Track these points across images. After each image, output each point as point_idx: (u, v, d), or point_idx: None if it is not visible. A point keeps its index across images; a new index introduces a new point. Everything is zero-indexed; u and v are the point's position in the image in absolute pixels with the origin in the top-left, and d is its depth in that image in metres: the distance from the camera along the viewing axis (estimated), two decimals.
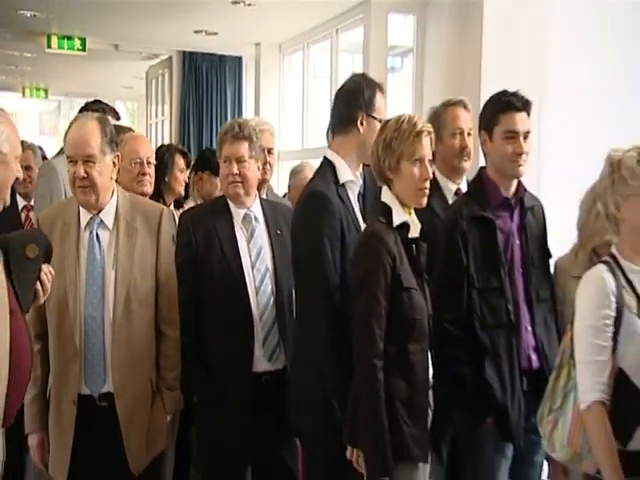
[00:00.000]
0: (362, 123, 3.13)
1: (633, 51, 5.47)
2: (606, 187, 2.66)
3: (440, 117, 3.65)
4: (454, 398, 3.08)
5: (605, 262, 2.62)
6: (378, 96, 3.19)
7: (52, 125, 25.07)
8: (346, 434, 2.76)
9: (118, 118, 4.12)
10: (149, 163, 3.88)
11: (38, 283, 2.47)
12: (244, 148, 3.39)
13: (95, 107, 4.21)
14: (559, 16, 5.14)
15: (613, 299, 2.53)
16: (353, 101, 3.18)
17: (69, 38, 9.10)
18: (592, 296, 2.57)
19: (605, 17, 5.39)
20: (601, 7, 5.40)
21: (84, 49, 9.38)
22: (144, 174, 3.80)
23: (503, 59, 4.95)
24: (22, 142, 2.93)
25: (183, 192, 4.66)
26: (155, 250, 3.08)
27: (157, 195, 4.31)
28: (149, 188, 3.90)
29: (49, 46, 9.19)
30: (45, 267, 2.51)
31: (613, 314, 2.52)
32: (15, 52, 10.47)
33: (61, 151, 5.51)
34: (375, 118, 3.12)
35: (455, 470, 3.36)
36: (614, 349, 2.52)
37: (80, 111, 4.28)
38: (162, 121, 10.23)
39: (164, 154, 4.67)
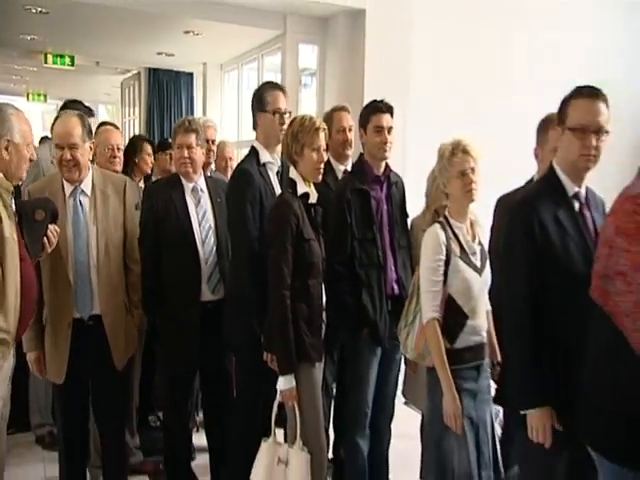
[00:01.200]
0: (258, 119, 3.21)
1: (473, 68, 5.64)
2: (439, 170, 2.77)
3: (330, 118, 3.62)
4: (341, 316, 3.13)
5: (439, 222, 2.71)
6: (267, 93, 3.20)
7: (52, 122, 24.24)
8: (264, 343, 2.84)
9: (92, 115, 4.06)
10: (119, 149, 3.89)
11: (45, 238, 2.58)
12: (192, 138, 3.39)
13: (73, 105, 4.17)
14: (417, 45, 5.26)
15: (444, 247, 2.62)
16: (252, 105, 3.27)
17: (61, 56, 8.99)
18: (430, 246, 2.66)
19: (454, 41, 5.52)
20: (451, 32, 5.54)
21: (73, 64, 9.24)
22: (114, 157, 3.80)
23: (379, 77, 4.98)
24: None
25: (149, 171, 4.63)
26: (122, 210, 3.16)
27: (129, 173, 4.30)
28: (119, 167, 3.90)
29: (46, 62, 9.05)
30: (51, 227, 2.63)
31: (444, 258, 2.62)
32: (20, 66, 10.32)
33: (41, 140, 5.44)
34: (267, 111, 3.17)
35: (343, 366, 3.43)
36: (445, 282, 2.63)
37: (62, 108, 4.19)
38: (133, 120, 10.21)
39: (135, 142, 4.67)
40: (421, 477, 2.75)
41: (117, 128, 4.29)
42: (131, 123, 10.25)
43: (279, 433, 2.78)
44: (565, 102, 2.39)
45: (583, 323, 2.10)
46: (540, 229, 2.31)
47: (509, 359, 2.49)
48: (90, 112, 4.03)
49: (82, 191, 3.05)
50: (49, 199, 2.82)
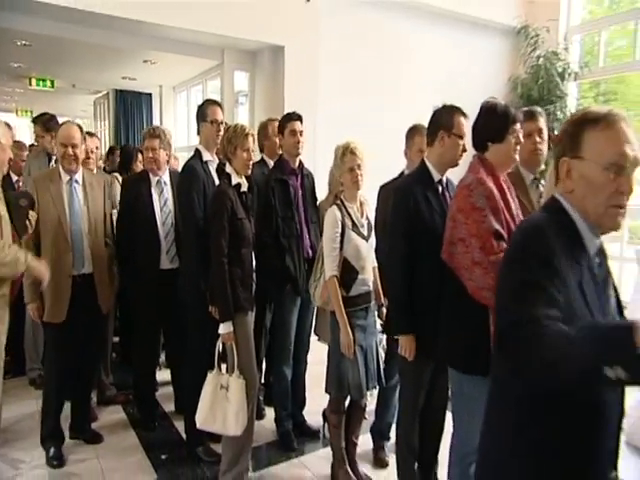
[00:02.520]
0: (201, 128, 3.20)
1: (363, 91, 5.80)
2: (335, 166, 2.83)
3: (266, 127, 3.70)
4: (269, 276, 3.20)
5: (337, 204, 2.77)
6: (208, 107, 3.18)
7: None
8: (208, 298, 2.84)
9: (57, 122, 3.97)
10: (92, 151, 3.76)
11: (27, 221, 2.63)
12: (156, 142, 3.41)
13: (45, 117, 4.18)
14: (324, 73, 5.38)
15: (339, 223, 2.70)
16: (197, 117, 3.24)
17: (43, 80, 8.67)
18: (330, 222, 2.72)
19: (351, 71, 5.66)
20: (348, 64, 5.65)
21: (53, 87, 8.91)
22: (88, 158, 3.64)
23: (295, 96, 5.07)
24: (15, 142, 3.38)
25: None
26: (103, 199, 3.28)
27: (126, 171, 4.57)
28: (93, 166, 3.82)
29: (30, 85, 8.72)
30: (31, 212, 2.68)
31: (340, 230, 2.70)
32: (9, 88, 9.87)
33: (30, 147, 5.32)
34: (207, 122, 3.16)
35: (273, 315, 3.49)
36: (341, 248, 2.70)
37: (35, 118, 4.42)
38: (104, 130, 9.92)
39: (130, 151, 4.79)
40: (326, 391, 2.83)
41: (92, 135, 4.21)
42: (102, 133, 9.97)
43: (222, 367, 2.79)
44: (447, 114, 2.44)
45: (442, 275, 2.22)
46: (414, 205, 2.42)
47: (390, 301, 2.60)
48: (57, 122, 3.97)
49: (76, 180, 3.13)
50: (28, 192, 2.95)
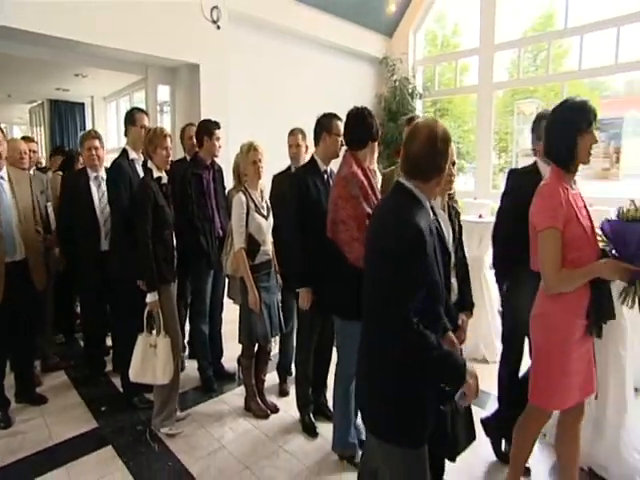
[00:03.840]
0: (129, 131, 3.00)
1: (267, 98, 5.72)
2: (241, 160, 2.76)
3: (184, 130, 3.53)
4: (187, 253, 2.99)
5: (242, 190, 2.68)
6: (136, 114, 3.01)
7: None
8: (137, 272, 2.60)
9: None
10: (25, 153, 3.31)
11: None
12: (97, 142, 3.23)
13: None
14: (233, 85, 5.27)
15: (244, 205, 2.61)
16: (125, 121, 3.04)
17: None
18: (236, 205, 2.64)
19: (256, 81, 5.58)
20: (254, 77, 5.62)
21: None
22: (22, 159, 3.23)
23: (209, 105, 4.95)
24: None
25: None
26: (30, 192, 2.95)
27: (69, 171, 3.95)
28: (26, 166, 3.35)
29: None
30: None
31: (245, 211, 2.62)
32: None
33: None
34: (135, 125, 2.98)
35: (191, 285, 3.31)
36: (247, 226, 2.62)
37: None
38: (40, 136, 8.72)
39: (73, 153, 4.29)
40: (239, 341, 2.77)
41: (29, 140, 3.84)
42: (39, 138, 8.83)
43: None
44: (327, 119, 2.45)
45: (327, 244, 2.20)
46: (306, 190, 2.41)
47: (291, 262, 2.53)
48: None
49: (2, 177, 2.79)
50: None
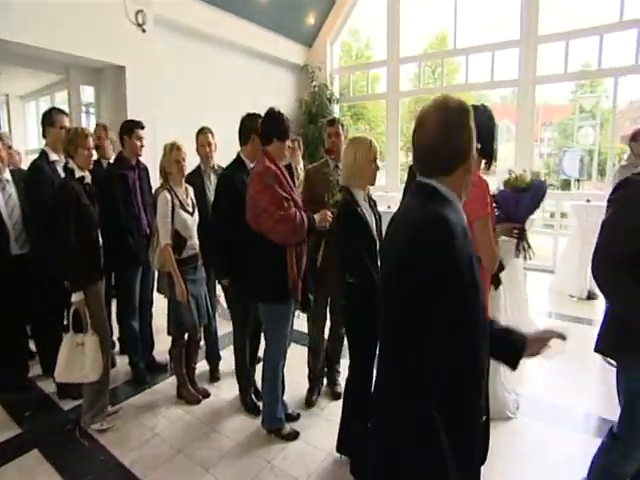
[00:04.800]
0: (48, 132, 2.75)
1: (192, 98, 5.38)
2: (165, 159, 2.58)
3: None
4: (114, 251, 2.70)
5: (167, 188, 2.55)
6: (56, 115, 2.76)
7: None
8: (62, 276, 2.35)
9: None
10: None
11: None
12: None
13: None
14: (160, 86, 4.93)
15: (170, 203, 2.49)
16: (44, 122, 2.77)
17: None
18: (162, 203, 2.48)
19: (182, 82, 5.22)
20: (179, 77, 5.27)
21: None
22: None
23: (135, 105, 4.61)
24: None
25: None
26: None
27: None
28: None
29: None
30: None
31: (170, 208, 2.49)
32: None
33: None
34: (55, 127, 2.73)
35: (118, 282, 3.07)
36: (172, 222, 2.49)
37: None
38: None
39: None
40: (168, 333, 2.63)
41: None
42: None
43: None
44: (255, 121, 2.38)
45: (252, 234, 2.15)
46: (236, 186, 2.35)
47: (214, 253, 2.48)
48: None
49: None
50: None
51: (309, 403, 2.63)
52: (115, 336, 3.07)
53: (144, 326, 3.09)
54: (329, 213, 2.24)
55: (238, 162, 2.49)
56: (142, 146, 2.96)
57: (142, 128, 2.96)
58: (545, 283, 5.03)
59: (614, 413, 1.58)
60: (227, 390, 2.83)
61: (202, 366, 3.06)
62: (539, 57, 5.75)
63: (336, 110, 7.37)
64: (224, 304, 2.94)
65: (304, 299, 2.23)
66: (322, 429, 2.38)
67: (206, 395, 2.78)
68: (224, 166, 2.70)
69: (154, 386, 2.94)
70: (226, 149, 2.99)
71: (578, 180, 6.34)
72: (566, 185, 7.64)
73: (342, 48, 8.30)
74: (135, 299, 2.98)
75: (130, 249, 2.86)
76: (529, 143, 6.06)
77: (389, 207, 4.01)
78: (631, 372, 1.44)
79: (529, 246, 2.08)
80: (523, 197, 1.94)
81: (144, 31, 4.70)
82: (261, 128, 2.22)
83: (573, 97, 11.38)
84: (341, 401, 2.13)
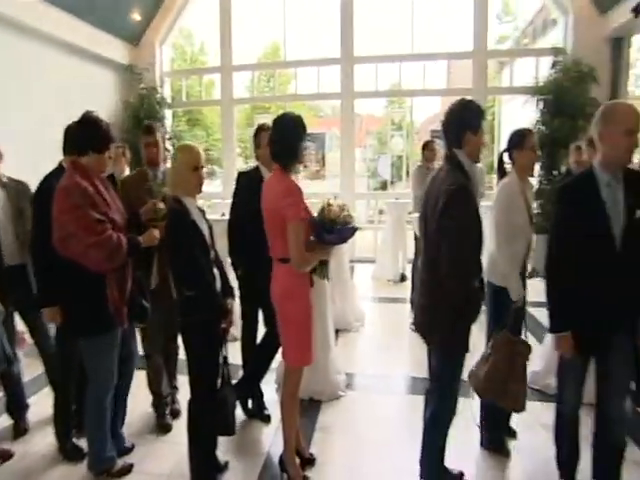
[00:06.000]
0: None
1: None
2: None
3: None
4: None
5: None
6: None
7: None
8: None
9: None
10: None
11: None
12: None
13: None
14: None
15: None
16: None
17: None
18: None
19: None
20: None
21: None
22: None
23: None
24: None
25: None
26: None
27: None
28: None
29: None
30: None
31: None
32: None
33: None
34: None
35: None
36: None
37: None
38: None
39: None
40: None
41: None
42: None
43: None
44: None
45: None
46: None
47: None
48: None
49: None
50: None
51: (165, 427, 2.41)
52: None
53: None
54: (156, 233, 2.03)
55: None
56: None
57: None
58: (369, 272, 5.72)
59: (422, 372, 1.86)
60: (39, 442, 2.33)
61: (1, 422, 2.48)
62: (356, 74, 6.50)
63: (168, 115, 6.96)
64: (29, 341, 2.47)
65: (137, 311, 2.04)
66: (160, 454, 2.19)
67: (6, 456, 2.21)
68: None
69: None
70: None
71: (392, 182, 7.45)
72: (384, 186, 8.89)
73: (174, 50, 7.87)
74: None
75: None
76: (351, 149, 6.84)
77: (223, 215, 3.92)
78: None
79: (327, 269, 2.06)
80: (328, 235, 1.87)
81: None
82: (74, 137, 1.92)
83: (386, 111, 13.23)
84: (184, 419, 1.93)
